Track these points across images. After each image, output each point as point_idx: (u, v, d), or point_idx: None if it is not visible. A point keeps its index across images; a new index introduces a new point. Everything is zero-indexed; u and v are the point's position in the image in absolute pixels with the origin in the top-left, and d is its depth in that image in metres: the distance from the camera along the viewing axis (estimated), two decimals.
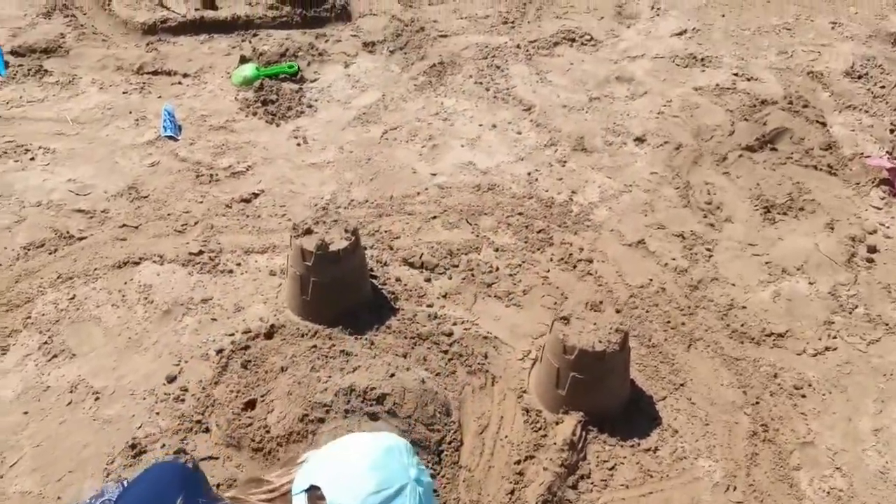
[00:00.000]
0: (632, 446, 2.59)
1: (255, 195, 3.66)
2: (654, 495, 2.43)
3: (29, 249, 3.29)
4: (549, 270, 3.30)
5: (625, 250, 3.45)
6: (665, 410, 2.72)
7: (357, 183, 3.79)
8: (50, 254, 3.29)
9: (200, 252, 3.29)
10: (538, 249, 3.41)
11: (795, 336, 3.04)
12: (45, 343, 2.86)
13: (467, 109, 4.41)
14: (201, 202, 3.60)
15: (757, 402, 2.77)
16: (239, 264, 3.26)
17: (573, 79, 4.76)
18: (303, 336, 2.86)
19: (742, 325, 3.07)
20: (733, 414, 2.72)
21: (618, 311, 2.62)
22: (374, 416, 2.41)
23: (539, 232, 3.50)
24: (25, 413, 2.61)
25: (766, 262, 3.39)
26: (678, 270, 3.32)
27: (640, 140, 4.18)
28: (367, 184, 3.79)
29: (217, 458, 2.47)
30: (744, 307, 3.16)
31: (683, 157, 4.04)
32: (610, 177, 3.93)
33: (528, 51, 5.03)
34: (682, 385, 2.82)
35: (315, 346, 2.71)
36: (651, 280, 3.28)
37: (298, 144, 4.06)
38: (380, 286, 3.13)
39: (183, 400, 2.65)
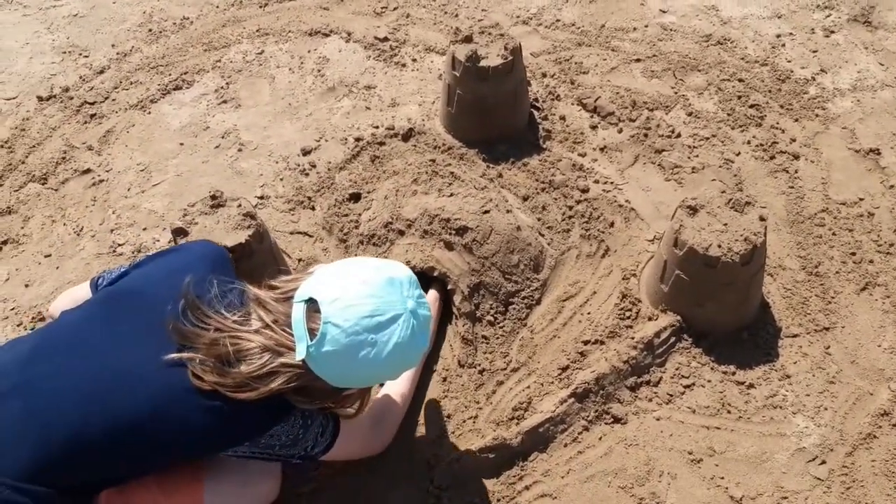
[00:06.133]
0: (724, 372, 2.22)
1: None
2: (719, 433, 2.10)
3: None
4: (738, 154, 2.78)
5: (848, 155, 2.78)
6: (788, 350, 2.27)
7: (574, 2, 3.41)
8: (261, 7, 3.45)
9: (385, 39, 3.24)
10: (740, 127, 2.87)
11: None
12: (222, 88, 3.08)
13: None
14: None
15: None
16: (415, 60, 3.16)
17: None
18: (434, 148, 2.76)
19: None
20: (873, 383, 2.20)
21: (762, 220, 2.15)
22: (449, 245, 2.30)
23: (752, 107, 2.93)
24: (181, 144, 2.88)
25: None
26: None
27: None
28: (583, 5, 3.40)
29: (311, 237, 2.56)
30: None
31: None
32: (882, 63, 3.11)
33: None
34: (827, 329, 2.32)
35: (433, 161, 2.60)
36: (861, 199, 2.64)
37: None
38: (539, 120, 2.87)
39: (307, 174, 2.75)
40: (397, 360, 1.54)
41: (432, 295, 2.27)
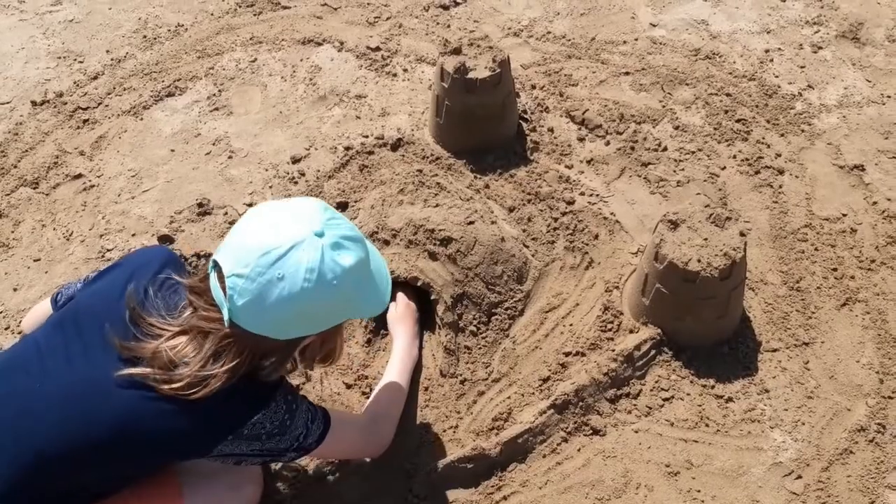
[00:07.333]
0: (703, 386, 2.24)
1: (456, 3, 3.49)
2: (697, 445, 2.12)
3: (240, 6, 3.51)
4: (723, 168, 2.81)
5: (832, 171, 2.81)
6: (768, 364, 2.30)
7: (565, 15, 3.44)
8: (255, 15, 3.48)
9: (377, 48, 3.27)
10: (726, 141, 2.90)
11: None
12: (214, 95, 3.10)
13: None
14: None
15: (891, 398, 2.22)
16: (406, 70, 3.19)
17: None
18: (423, 158, 2.78)
19: None
20: (851, 398, 2.22)
21: (742, 235, 2.17)
22: (433, 256, 2.33)
23: (738, 121, 2.95)
24: (172, 151, 2.90)
25: None
26: (887, 215, 2.65)
27: None
28: (574, 18, 3.42)
29: None
30: None
31: None
32: (869, 80, 3.14)
33: None
34: (806, 344, 2.34)
35: (420, 171, 2.63)
36: (844, 215, 2.66)
37: None
38: (528, 131, 2.90)
39: (296, 182, 2.77)
40: (322, 288, 1.43)
41: (402, 299, 2.30)
